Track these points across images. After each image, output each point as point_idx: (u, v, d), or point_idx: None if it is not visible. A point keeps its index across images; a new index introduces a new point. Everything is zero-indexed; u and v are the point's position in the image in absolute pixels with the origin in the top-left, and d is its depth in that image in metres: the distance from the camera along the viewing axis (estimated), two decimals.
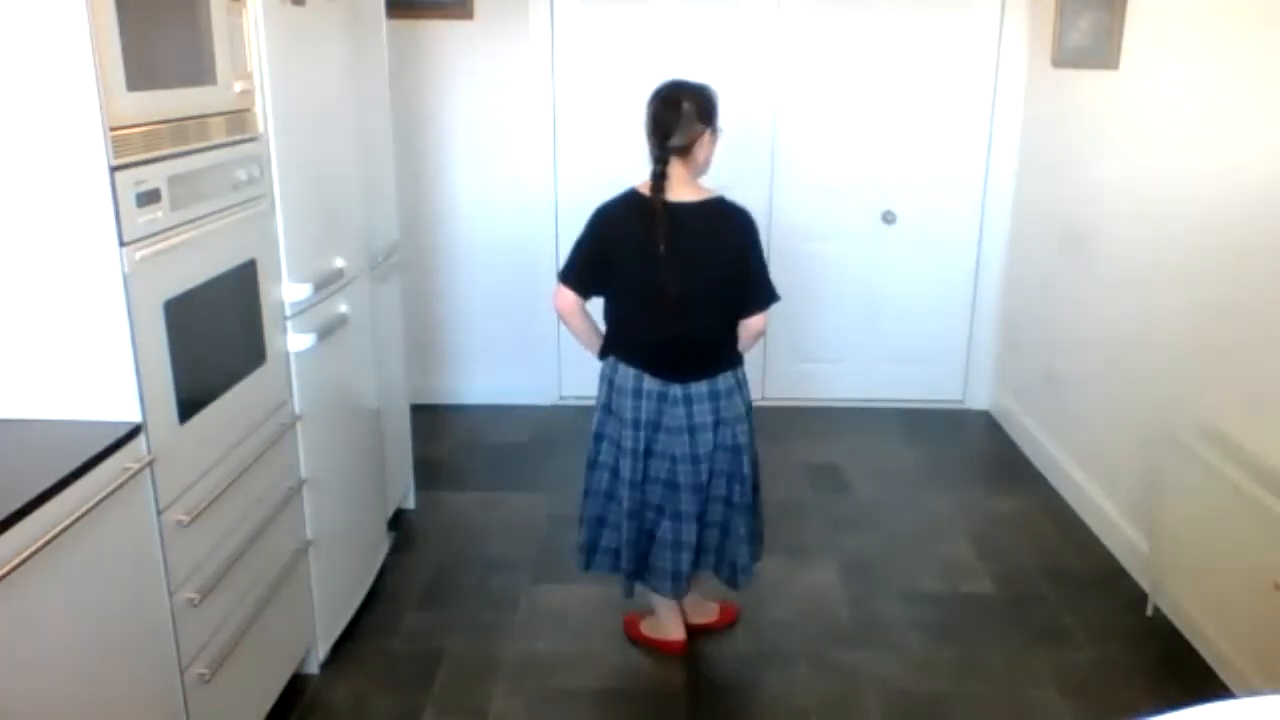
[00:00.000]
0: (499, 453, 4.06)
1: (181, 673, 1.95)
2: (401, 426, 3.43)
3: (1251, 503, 2.34)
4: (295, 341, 2.41)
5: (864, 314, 4.50)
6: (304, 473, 2.48)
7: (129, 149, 1.74)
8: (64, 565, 1.59)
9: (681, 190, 2.42)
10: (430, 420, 4.23)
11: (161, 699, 1.91)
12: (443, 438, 4.17)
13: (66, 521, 1.56)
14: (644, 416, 2.48)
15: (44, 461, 1.64)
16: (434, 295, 4.47)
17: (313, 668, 2.61)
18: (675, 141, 2.39)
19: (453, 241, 4.41)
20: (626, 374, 2.50)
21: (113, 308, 1.75)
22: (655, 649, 2.76)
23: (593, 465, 2.61)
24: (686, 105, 2.40)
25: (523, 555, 3.24)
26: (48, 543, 1.51)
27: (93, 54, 1.63)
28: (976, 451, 4.17)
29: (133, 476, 1.75)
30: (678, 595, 2.66)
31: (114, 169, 1.70)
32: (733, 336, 2.53)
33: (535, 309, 4.49)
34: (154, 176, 1.82)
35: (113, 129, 1.69)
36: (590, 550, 2.65)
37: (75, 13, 1.61)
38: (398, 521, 3.38)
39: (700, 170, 2.47)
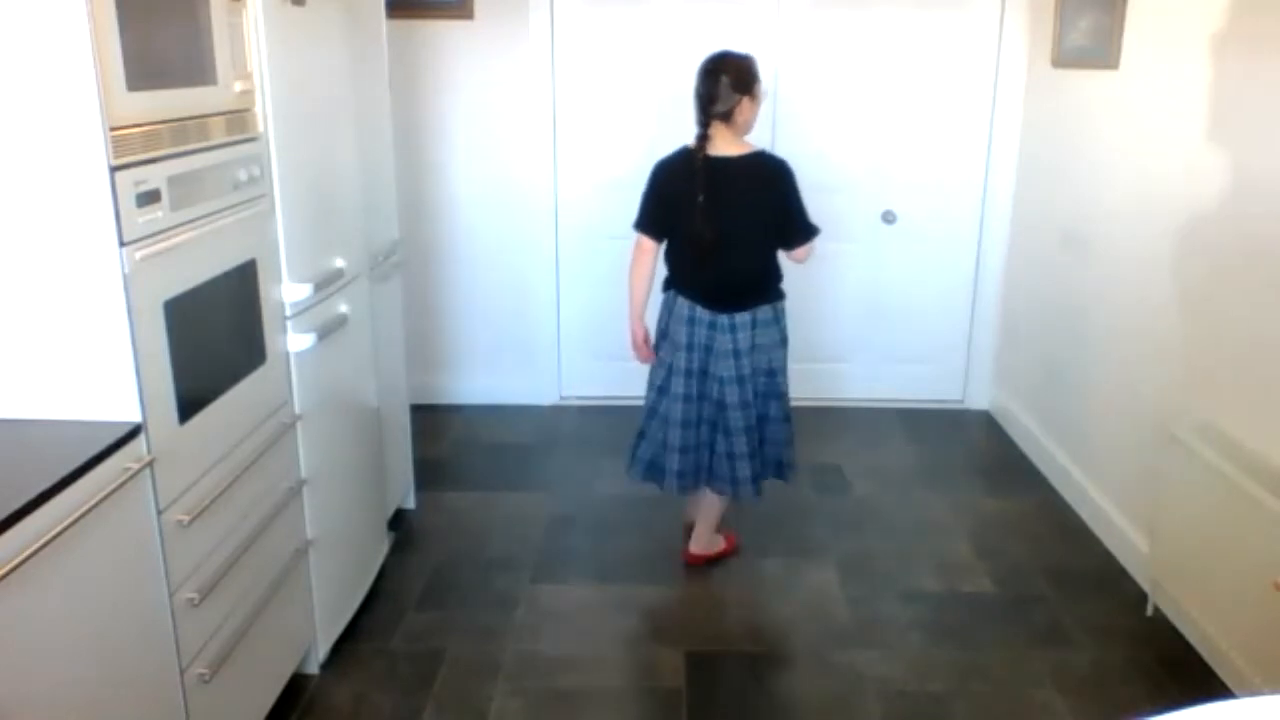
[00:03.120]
0: (499, 453, 4.06)
1: (181, 673, 1.95)
2: (401, 426, 3.43)
3: (1251, 502, 2.34)
4: (295, 341, 2.41)
5: (864, 314, 4.50)
6: (304, 473, 2.48)
7: (129, 149, 1.74)
8: (64, 565, 1.59)
9: (725, 147, 2.85)
10: (430, 420, 4.24)
11: (161, 699, 1.91)
12: (443, 438, 4.17)
13: (67, 521, 1.56)
14: (697, 340, 2.92)
15: (44, 461, 1.64)
16: (434, 295, 4.47)
17: (313, 668, 2.61)
18: (716, 108, 2.82)
19: (453, 241, 4.41)
20: (683, 304, 2.94)
21: (113, 308, 1.75)
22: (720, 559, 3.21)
23: (649, 385, 3.07)
24: (725, 77, 2.81)
25: (523, 555, 3.24)
26: (48, 543, 1.51)
27: (93, 54, 1.63)
28: (976, 451, 4.17)
29: (133, 476, 1.75)
30: (738, 497, 3.06)
31: (114, 169, 1.70)
32: (771, 273, 2.96)
33: (536, 309, 4.49)
34: (154, 176, 1.82)
35: (113, 129, 1.69)
36: (629, 459, 3.14)
37: (75, 13, 1.61)
38: (398, 521, 3.38)
39: (743, 130, 2.88)
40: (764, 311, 2.92)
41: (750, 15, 4.16)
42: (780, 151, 4.27)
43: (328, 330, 2.55)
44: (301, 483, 2.47)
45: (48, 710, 1.59)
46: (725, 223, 2.83)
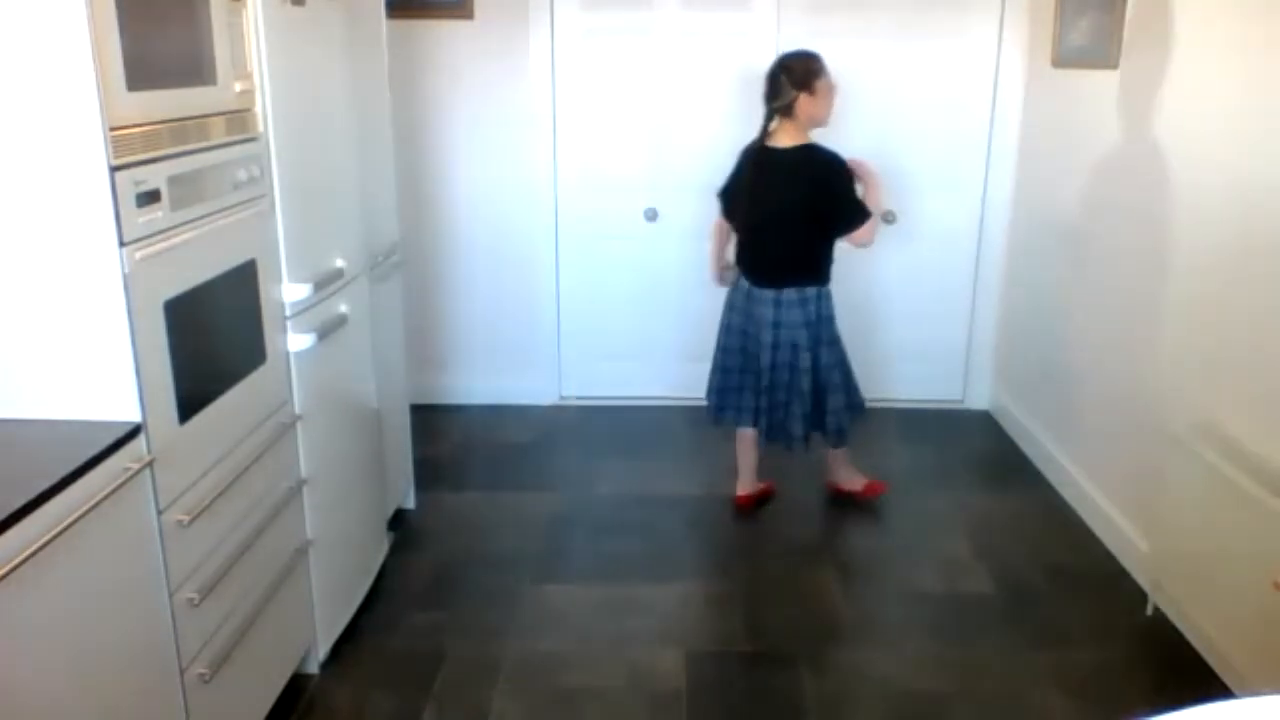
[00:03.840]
0: (499, 453, 4.06)
1: (181, 673, 1.95)
2: (401, 426, 3.43)
3: (1251, 502, 2.34)
4: (295, 341, 2.41)
5: (864, 314, 4.49)
6: (304, 473, 2.48)
7: (129, 149, 1.74)
8: (64, 565, 1.59)
9: (782, 139, 3.20)
10: (430, 420, 4.24)
11: (161, 699, 1.91)
12: (443, 438, 4.17)
13: (66, 521, 1.56)
14: (737, 304, 3.36)
15: (44, 461, 1.64)
16: (434, 295, 4.47)
17: (313, 668, 2.61)
18: (774, 104, 3.18)
19: (453, 241, 4.41)
20: (741, 277, 3.35)
21: (113, 308, 1.75)
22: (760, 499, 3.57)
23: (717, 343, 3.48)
24: (784, 76, 3.15)
25: (523, 555, 3.24)
26: (48, 543, 1.51)
27: (93, 54, 1.63)
28: (976, 451, 4.17)
29: (133, 476, 1.75)
30: (790, 447, 3.40)
31: (114, 169, 1.70)
32: (803, 259, 3.25)
33: (536, 308, 4.49)
34: (154, 176, 1.82)
35: (113, 129, 1.69)
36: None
37: (75, 13, 1.61)
38: (398, 521, 3.38)
39: (806, 124, 3.19)
40: (788, 294, 3.23)
41: (750, 14, 4.16)
42: None
43: (328, 330, 2.55)
44: (301, 483, 2.47)
45: (48, 710, 1.59)
46: (764, 207, 3.23)
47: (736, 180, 3.34)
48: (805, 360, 3.26)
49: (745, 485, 3.57)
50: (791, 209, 3.19)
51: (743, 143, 4.30)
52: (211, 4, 2.00)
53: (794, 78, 3.13)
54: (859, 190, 3.23)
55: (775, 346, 3.27)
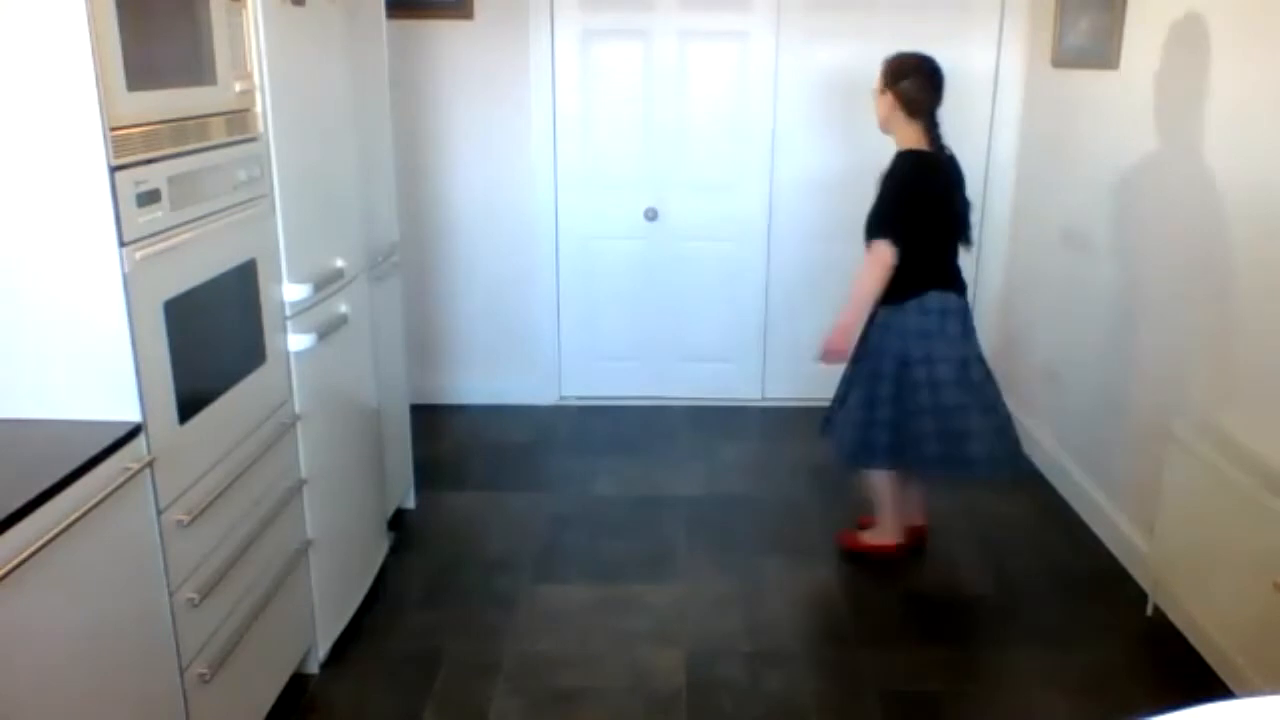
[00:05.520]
0: (499, 453, 4.06)
1: (181, 673, 1.95)
2: (401, 426, 3.43)
3: (1251, 502, 2.34)
4: (295, 341, 2.41)
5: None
6: (304, 473, 2.48)
7: (129, 149, 1.74)
8: (64, 565, 1.59)
9: (932, 142, 2.95)
10: (430, 420, 4.23)
11: (161, 699, 1.91)
12: (443, 438, 4.17)
13: (66, 522, 1.56)
14: (959, 334, 2.99)
15: (44, 461, 1.64)
16: (434, 295, 4.47)
17: (313, 667, 2.61)
18: (937, 104, 2.93)
19: (453, 241, 4.41)
20: (957, 302, 3.00)
21: (113, 308, 1.75)
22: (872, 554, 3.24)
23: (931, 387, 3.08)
24: (939, 76, 2.91)
25: (523, 555, 3.24)
26: (48, 543, 1.51)
27: (93, 54, 1.63)
28: None
29: (133, 477, 1.75)
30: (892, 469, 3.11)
31: (114, 169, 1.70)
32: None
33: (536, 309, 4.49)
34: (154, 176, 1.82)
35: (113, 129, 1.69)
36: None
37: (75, 13, 1.61)
38: (398, 521, 3.38)
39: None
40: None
41: (750, 14, 4.16)
42: (779, 150, 4.32)
43: (328, 330, 2.55)
44: (301, 482, 2.47)
45: (48, 710, 1.59)
46: (967, 217, 3.03)
47: (941, 195, 2.94)
48: (885, 385, 3.00)
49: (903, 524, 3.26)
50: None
51: (742, 142, 4.33)
52: (211, 4, 2.00)
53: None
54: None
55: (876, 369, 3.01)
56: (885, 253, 2.87)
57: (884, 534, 3.23)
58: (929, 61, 2.92)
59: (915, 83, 2.90)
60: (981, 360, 3.04)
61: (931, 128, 2.94)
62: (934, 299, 2.93)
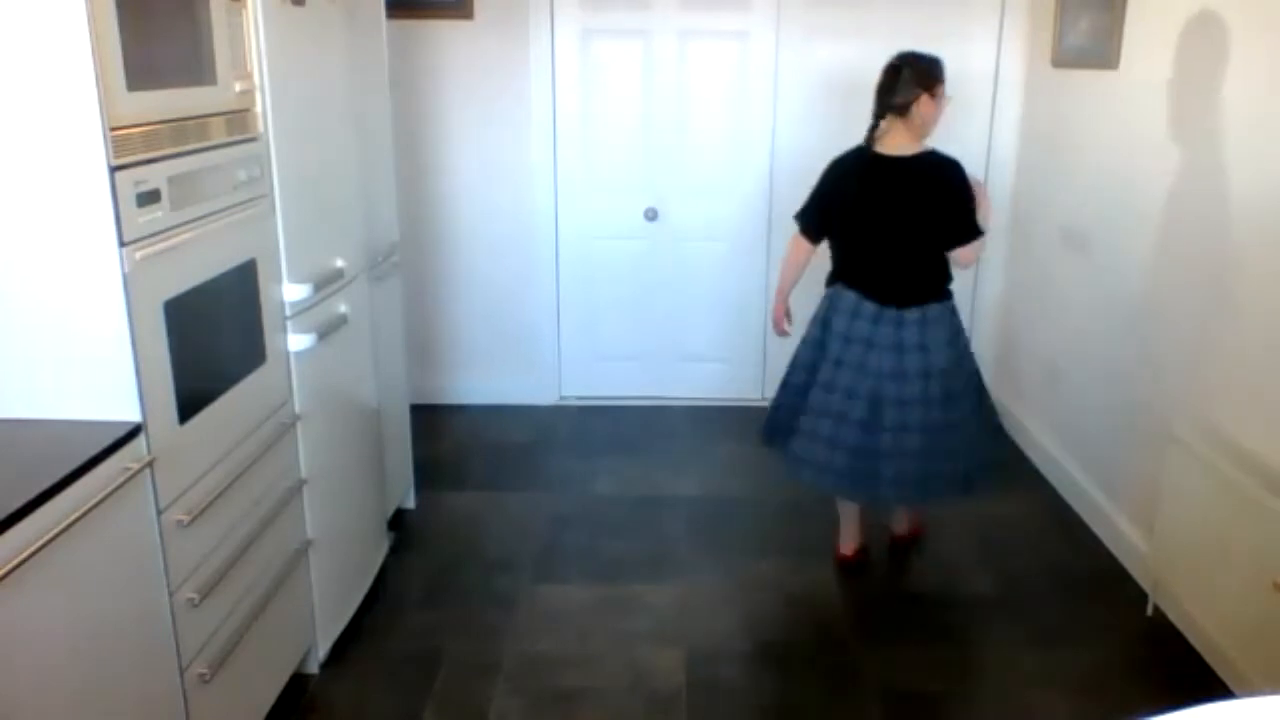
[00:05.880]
0: (499, 453, 4.06)
1: (181, 673, 1.95)
2: (401, 426, 3.43)
3: (1251, 502, 2.34)
4: (295, 341, 2.41)
5: None
6: (304, 473, 2.48)
7: (129, 149, 1.74)
8: (64, 565, 1.59)
9: (898, 145, 2.84)
10: (430, 420, 4.23)
11: (161, 699, 1.91)
12: (443, 438, 4.17)
13: (66, 522, 1.56)
14: (856, 334, 2.89)
15: (44, 461, 1.64)
16: (434, 295, 4.47)
17: (313, 667, 2.61)
18: (893, 99, 2.81)
19: (453, 241, 4.41)
20: (849, 297, 2.92)
21: (113, 308, 1.75)
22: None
23: (791, 364, 3.09)
24: (907, 70, 2.81)
25: (523, 555, 3.24)
26: (48, 543, 1.51)
27: (93, 54, 1.63)
28: None
29: (133, 477, 1.75)
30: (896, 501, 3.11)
31: (114, 169, 1.70)
32: (934, 270, 2.89)
33: (536, 309, 4.49)
34: (154, 176, 1.82)
35: (113, 129, 1.69)
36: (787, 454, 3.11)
37: (75, 13, 1.61)
38: (398, 521, 3.38)
39: (920, 129, 2.83)
40: (933, 309, 2.88)
41: (750, 14, 4.16)
42: (778, 149, 4.32)
43: (328, 330, 2.55)
44: (301, 483, 2.47)
45: (48, 710, 1.59)
46: (894, 222, 2.84)
47: (844, 196, 2.91)
48: (936, 388, 2.89)
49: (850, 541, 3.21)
50: (928, 221, 2.83)
51: (742, 142, 4.32)
52: (211, 4, 2.00)
53: (919, 75, 2.79)
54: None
55: (898, 376, 2.87)
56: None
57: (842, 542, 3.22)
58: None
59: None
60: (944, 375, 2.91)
61: None
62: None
